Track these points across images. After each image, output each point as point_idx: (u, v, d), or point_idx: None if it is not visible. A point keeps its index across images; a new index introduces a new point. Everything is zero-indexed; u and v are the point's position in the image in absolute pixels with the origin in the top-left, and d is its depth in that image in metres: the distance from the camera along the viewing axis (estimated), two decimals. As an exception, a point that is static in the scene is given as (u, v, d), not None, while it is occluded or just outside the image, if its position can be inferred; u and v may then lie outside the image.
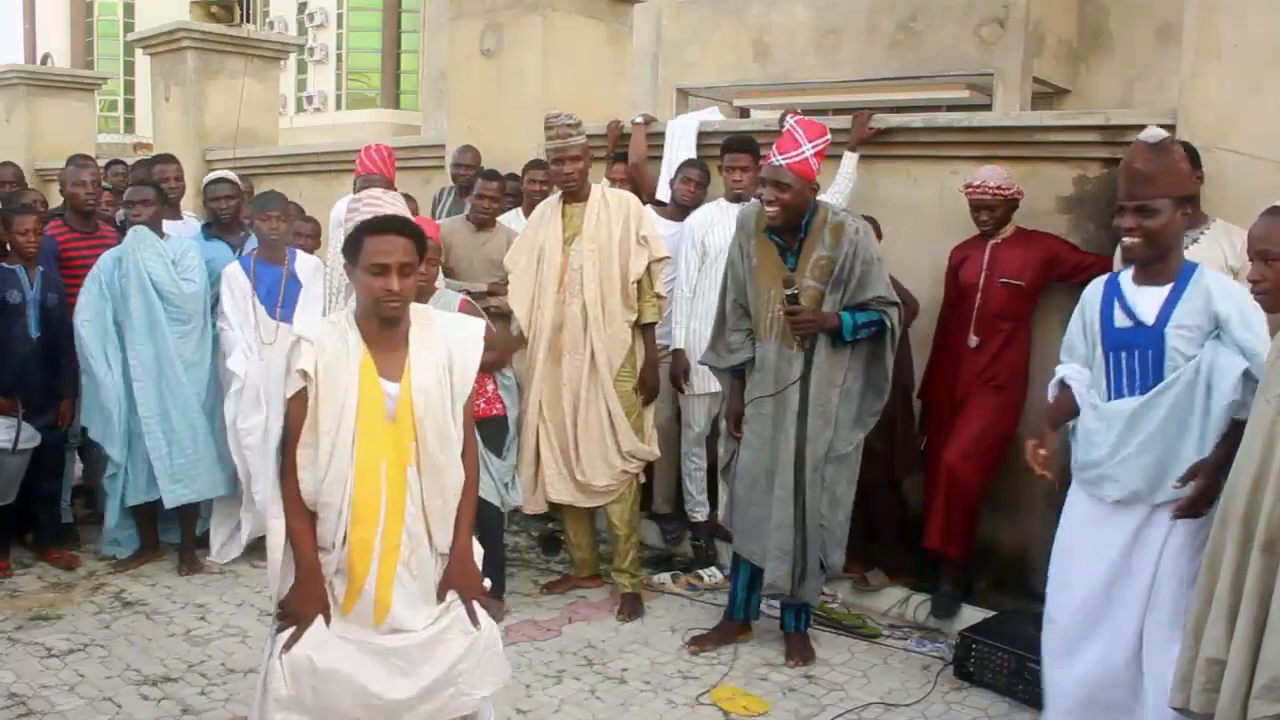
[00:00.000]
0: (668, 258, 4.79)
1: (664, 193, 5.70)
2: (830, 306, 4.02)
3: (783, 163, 3.94)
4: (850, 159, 5.01)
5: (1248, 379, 2.99)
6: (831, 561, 4.21)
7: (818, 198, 4.12)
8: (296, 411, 2.74)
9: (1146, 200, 3.07)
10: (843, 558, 4.24)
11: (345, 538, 2.74)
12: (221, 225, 5.62)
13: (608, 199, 4.71)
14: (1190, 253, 3.91)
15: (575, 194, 4.70)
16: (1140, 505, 3.17)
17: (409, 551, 2.78)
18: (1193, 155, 4.00)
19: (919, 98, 11.56)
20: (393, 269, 2.67)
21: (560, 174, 4.68)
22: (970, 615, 4.49)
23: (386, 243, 2.68)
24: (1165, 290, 3.13)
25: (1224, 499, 2.81)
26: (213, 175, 5.75)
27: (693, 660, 4.26)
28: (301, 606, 2.75)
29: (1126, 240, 3.13)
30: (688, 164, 5.45)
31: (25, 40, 26.20)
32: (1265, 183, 3.89)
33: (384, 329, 2.76)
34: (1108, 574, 3.21)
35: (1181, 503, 3.05)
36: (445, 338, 2.85)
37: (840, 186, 4.95)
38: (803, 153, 3.94)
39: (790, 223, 4.01)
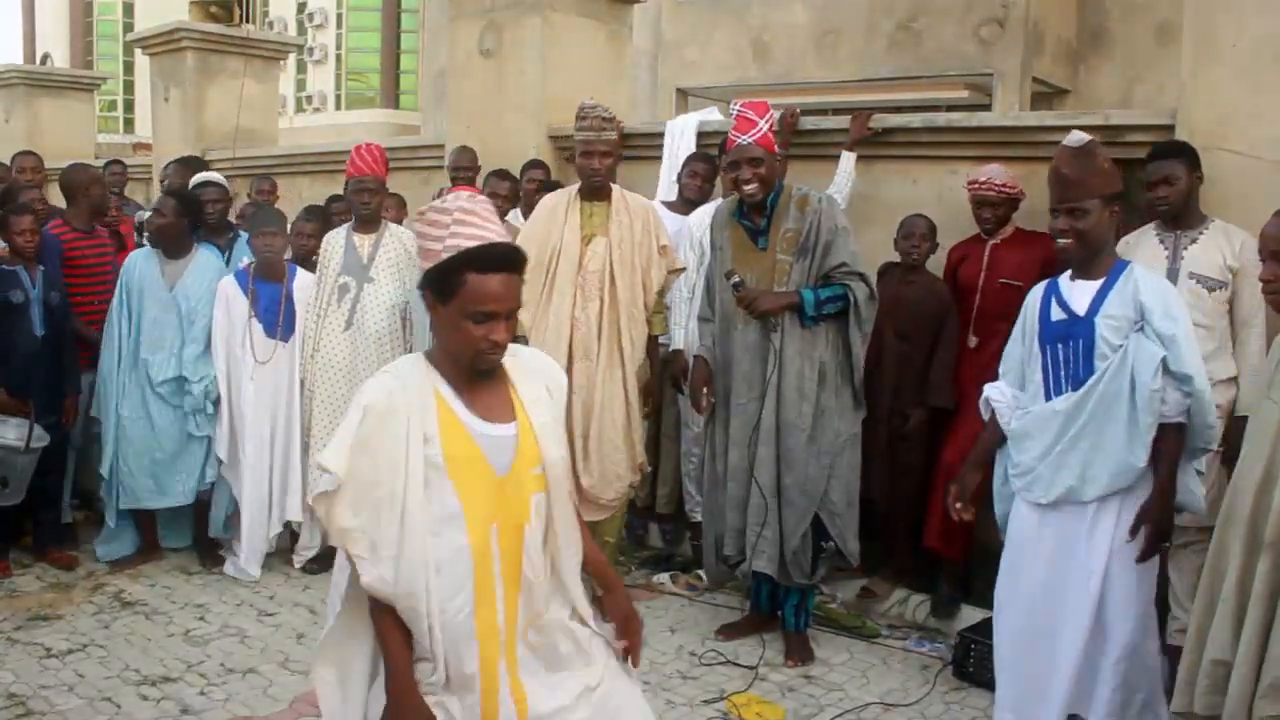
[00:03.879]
0: (684, 269, 4.81)
1: (665, 193, 5.70)
2: (799, 275, 4.09)
3: (749, 140, 4.08)
4: (849, 159, 5.01)
5: (1169, 374, 3.12)
6: (849, 549, 4.21)
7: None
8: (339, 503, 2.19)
9: (1076, 203, 3.21)
10: (858, 545, 4.24)
11: (443, 630, 2.21)
12: (209, 228, 5.54)
13: (628, 201, 4.67)
14: (1189, 253, 3.94)
15: (596, 191, 4.65)
16: (1078, 509, 3.24)
17: (525, 624, 2.28)
18: (1192, 155, 4.00)
19: (918, 98, 11.56)
20: (501, 315, 2.18)
21: (588, 168, 4.58)
22: (969, 615, 4.49)
23: (499, 284, 2.15)
24: (1098, 284, 3.27)
25: (1228, 499, 2.82)
26: (199, 177, 5.66)
27: (692, 661, 4.26)
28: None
29: (1061, 242, 3.27)
30: (694, 158, 5.43)
31: (25, 40, 26.23)
32: (1265, 183, 3.89)
33: (478, 375, 2.27)
34: (1056, 585, 3.28)
35: (1142, 550, 3.16)
36: (537, 370, 2.41)
37: (839, 186, 4.95)
38: (760, 128, 4.11)
39: (763, 199, 4.11)
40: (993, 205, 4.50)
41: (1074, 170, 3.21)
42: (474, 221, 2.19)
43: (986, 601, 4.54)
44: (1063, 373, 3.29)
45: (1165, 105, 4.67)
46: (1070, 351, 3.27)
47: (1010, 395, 3.46)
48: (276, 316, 5.10)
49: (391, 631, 2.21)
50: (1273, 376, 2.77)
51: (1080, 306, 3.26)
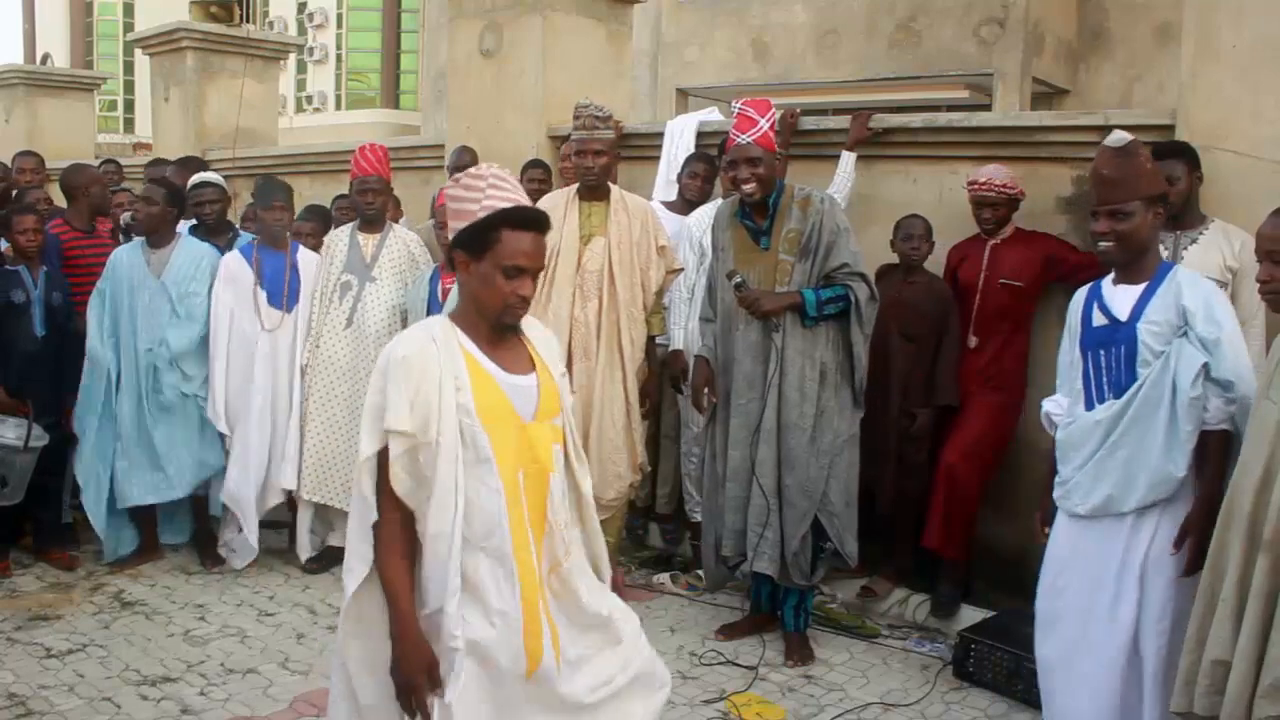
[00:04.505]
0: (682, 269, 4.84)
1: (662, 192, 5.70)
2: (801, 276, 4.09)
3: (748, 139, 4.07)
4: (849, 158, 5.01)
5: (1210, 380, 3.02)
6: (848, 550, 4.21)
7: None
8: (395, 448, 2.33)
9: (1118, 204, 3.12)
10: (856, 545, 4.24)
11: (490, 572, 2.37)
12: (208, 228, 5.52)
13: (626, 201, 4.69)
14: (1189, 253, 3.93)
15: (594, 190, 4.66)
16: (1116, 523, 3.15)
17: (548, 569, 2.46)
18: (1192, 155, 4.01)
19: (919, 98, 11.58)
20: (529, 272, 2.40)
21: (581, 166, 4.61)
22: (969, 615, 4.49)
23: (530, 242, 2.37)
24: (1140, 288, 3.18)
25: (1228, 499, 2.81)
26: (197, 178, 5.62)
27: (692, 661, 4.26)
28: (411, 673, 2.31)
29: (1102, 245, 3.19)
30: (694, 158, 5.44)
31: (25, 40, 26.22)
32: (1265, 183, 3.89)
33: (500, 332, 2.45)
34: (1096, 599, 3.20)
35: (1187, 563, 3.05)
36: (543, 333, 2.63)
37: (840, 186, 4.95)
38: (761, 127, 4.09)
39: (763, 198, 4.11)
40: (993, 206, 4.50)
41: (1115, 171, 3.12)
42: (507, 187, 2.41)
43: (986, 601, 4.57)
44: (1105, 379, 3.20)
45: (1165, 105, 4.67)
46: (1112, 358, 3.18)
47: (1067, 406, 3.37)
48: (281, 285, 5.11)
49: (399, 576, 2.33)
50: (1272, 376, 2.77)
51: (1122, 312, 3.17)
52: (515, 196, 2.40)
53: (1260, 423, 2.75)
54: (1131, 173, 3.11)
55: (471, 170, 2.47)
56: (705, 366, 4.33)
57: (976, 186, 4.52)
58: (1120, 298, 3.20)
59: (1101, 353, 3.21)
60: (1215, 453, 3.05)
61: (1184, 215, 3.98)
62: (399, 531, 2.36)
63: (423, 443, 2.32)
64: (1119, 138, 3.16)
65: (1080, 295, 3.35)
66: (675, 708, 3.87)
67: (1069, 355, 3.36)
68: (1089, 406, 3.24)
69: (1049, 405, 3.46)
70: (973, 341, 4.59)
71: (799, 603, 4.31)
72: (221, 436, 5.11)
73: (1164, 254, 3.96)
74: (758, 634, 4.44)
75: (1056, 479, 3.33)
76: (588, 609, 2.50)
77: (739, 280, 4.07)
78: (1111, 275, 3.28)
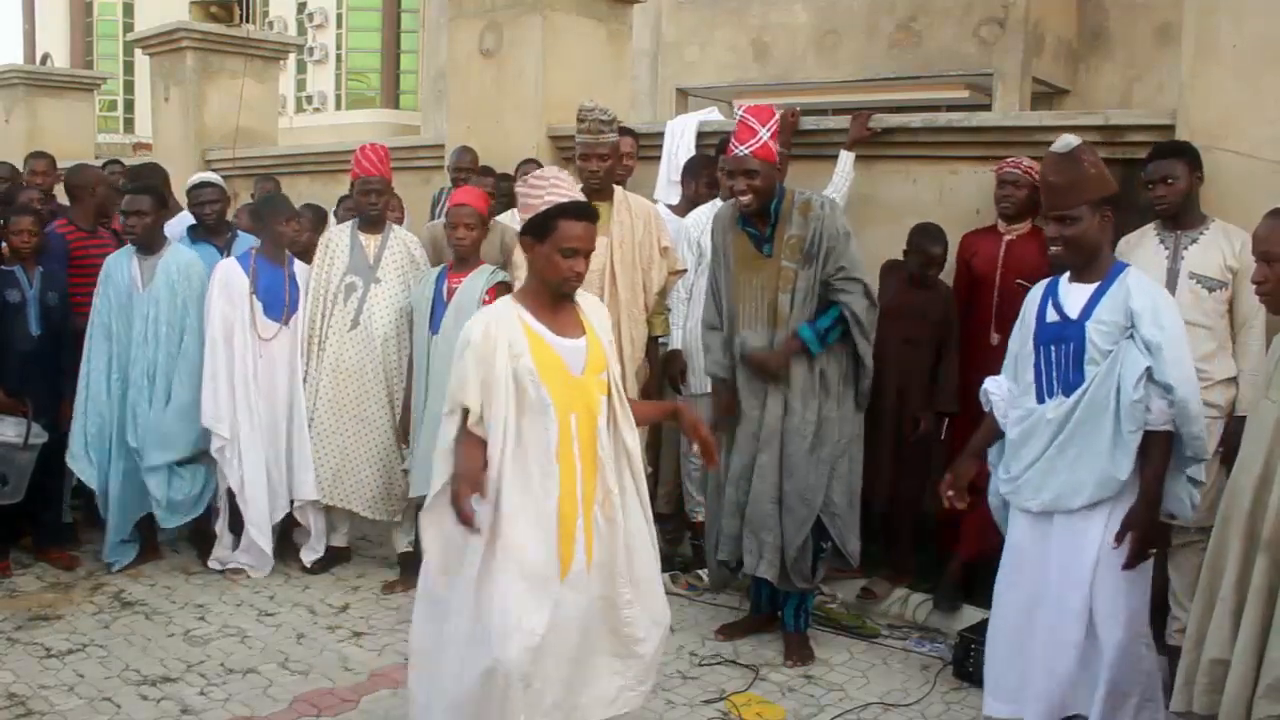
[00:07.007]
0: (685, 270, 4.83)
1: (662, 193, 5.69)
2: (805, 282, 4.08)
3: (746, 151, 4.03)
4: (847, 158, 5.01)
5: (1152, 382, 3.09)
6: (850, 550, 4.21)
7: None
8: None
9: (1065, 210, 3.17)
10: (859, 544, 4.25)
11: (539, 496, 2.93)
12: (207, 228, 5.51)
13: (629, 202, 4.69)
14: (1189, 253, 3.94)
15: (597, 191, 4.67)
16: (1065, 518, 3.21)
17: (603, 496, 3.02)
18: (1193, 155, 4.00)
19: (919, 98, 11.59)
20: (582, 253, 2.95)
21: (586, 170, 4.61)
22: (970, 615, 4.49)
23: (582, 229, 2.94)
24: (1092, 288, 3.24)
25: (1226, 498, 2.82)
26: (196, 178, 5.61)
27: (692, 661, 4.26)
28: (458, 483, 2.85)
29: (1053, 249, 3.25)
30: (701, 162, 5.43)
31: (25, 40, 26.22)
32: (1265, 183, 3.89)
33: (558, 302, 3.01)
34: (1047, 589, 3.26)
35: (1127, 557, 3.14)
36: (596, 305, 3.17)
37: (838, 185, 4.95)
38: (761, 137, 4.05)
39: (762, 208, 4.09)
40: (1014, 184, 4.49)
41: (1061, 177, 3.17)
42: (564, 185, 2.99)
43: (987, 602, 4.54)
44: (1054, 375, 3.27)
45: (1165, 105, 4.67)
46: (1062, 354, 3.25)
47: (1006, 389, 3.46)
48: (280, 297, 5.07)
49: (472, 449, 2.92)
50: (1271, 376, 2.77)
51: (1073, 310, 3.24)
52: (571, 193, 2.97)
53: (1259, 422, 2.75)
54: (1076, 178, 3.16)
55: (536, 172, 3.07)
56: (729, 393, 4.25)
57: (1003, 165, 4.53)
58: (1073, 296, 3.27)
59: (1052, 348, 3.28)
60: (1157, 452, 3.14)
61: (1184, 215, 3.98)
62: (477, 443, 2.94)
63: (487, 401, 2.90)
64: (1064, 143, 3.21)
65: (1038, 290, 3.41)
66: (675, 708, 3.87)
67: (1020, 346, 3.42)
68: (1039, 400, 3.31)
69: (989, 384, 3.53)
70: (995, 339, 4.53)
71: (799, 603, 4.31)
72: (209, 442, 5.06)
73: (1164, 254, 3.97)
74: (758, 634, 4.44)
75: (1005, 474, 3.40)
76: (629, 518, 3.08)
77: (744, 349, 4.10)
78: (1068, 274, 3.34)
